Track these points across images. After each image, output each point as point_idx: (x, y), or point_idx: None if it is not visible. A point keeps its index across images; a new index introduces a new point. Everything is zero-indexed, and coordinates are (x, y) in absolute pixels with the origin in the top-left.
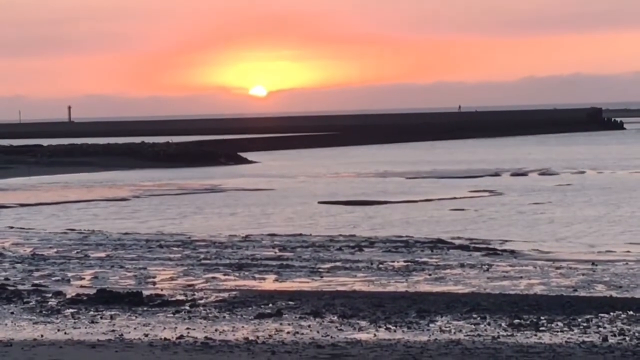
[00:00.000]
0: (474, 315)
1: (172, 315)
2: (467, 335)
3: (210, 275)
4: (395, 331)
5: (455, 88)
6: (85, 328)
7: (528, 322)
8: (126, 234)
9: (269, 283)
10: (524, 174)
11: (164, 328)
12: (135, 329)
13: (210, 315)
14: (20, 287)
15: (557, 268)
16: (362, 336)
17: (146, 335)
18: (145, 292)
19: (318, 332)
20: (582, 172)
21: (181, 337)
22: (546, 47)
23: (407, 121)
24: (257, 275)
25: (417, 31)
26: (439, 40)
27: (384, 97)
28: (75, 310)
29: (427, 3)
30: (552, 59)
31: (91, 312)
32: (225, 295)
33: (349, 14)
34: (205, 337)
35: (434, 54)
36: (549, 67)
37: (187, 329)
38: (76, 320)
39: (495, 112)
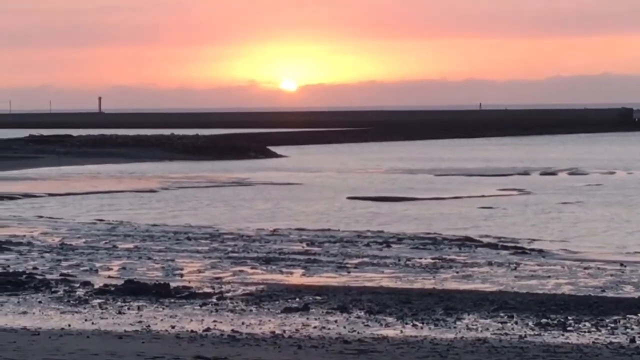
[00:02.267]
0: (501, 314)
1: (199, 307)
2: (494, 334)
3: (238, 268)
4: (422, 328)
5: (485, 86)
6: (113, 319)
7: (555, 321)
8: (154, 225)
9: (297, 277)
10: (553, 173)
11: (191, 320)
12: (162, 320)
13: (237, 308)
14: (48, 276)
15: (585, 268)
16: (389, 332)
17: (173, 327)
18: (173, 284)
19: (345, 327)
20: (612, 173)
21: (208, 329)
22: (575, 46)
23: (434, 118)
24: (284, 270)
25: (447, 29)
26: (468, 38)
27: (414, 93)
28: (102, 300)
29: (458, 2)
30: (580, 59)
31: (118, 303)
32: (253, 288)
33: (381, 10)
34: (232, 330)
35: (464, 52)
36: (578, 67)
37: (214, 321)
38: (103, 311)
39: (523, 111)
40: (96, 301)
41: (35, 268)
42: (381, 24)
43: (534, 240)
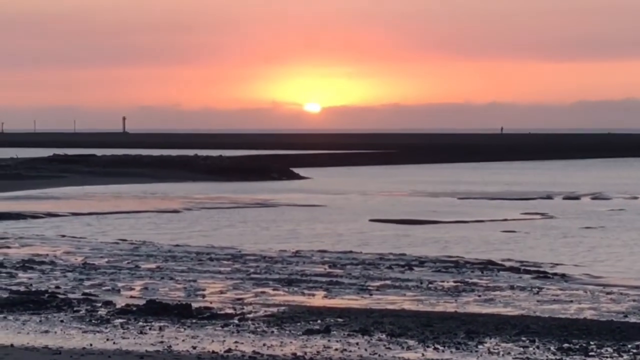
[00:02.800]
0: (523, 338)
1: (220, 328)
2: (516, 358)
3: (260, 289)
4: (443, 351)
5: (509, 110)
6: (134, 338)
7: (577, 346)
8: (177, 245)
9: (318, 299)
10: (576, 198)
11: (212, 341)
12: (183, 341)
13: (258, 329)
14: (70, 295)
15: (608, 293)
16: (410, 355)
17: (194, 348)
18: (195, 305)
19: (366, 349)
20: (636, 198)
21: (229, 350)
22: (599, 71)
23: (457, 141)
24: (306, 291)
25: (472, 52)
26: (493, 62)
27: (437, 116)
28: (124, 320)
29: (482, 25)
30: (605, 83)
31: (140, 323)
32: (274, 310)
33: (405, 33)
34: (253, 352)
35: (489, 75)
36: (602, 92)
37: (235, 342)
38: (125, 331)
39: (547, 135)
40: (118, 321)
41: (57, 287)
42: (405, 47)
43: (557, 264)
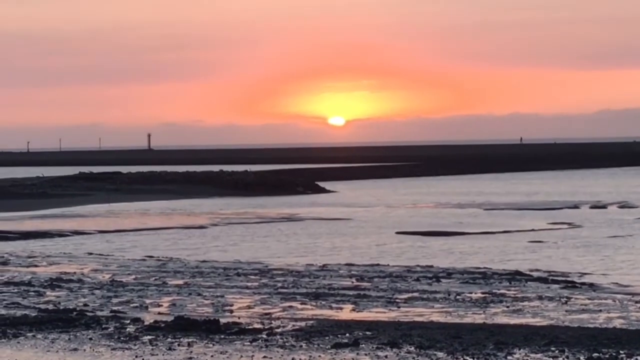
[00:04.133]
0: (552, 348)
1: (249, 343)
2: None
3: (287, 304)
4: None
5: (531, 120)
6: (163, 355)
7: (607, 356)
8: (204, 261)
9: (346, 313)
10: (603, 207)
11: (241, 356)
12: (212, 356)
13: (287, 344)
14: (98, 313)
15: (637, 302)
16: None
17: None
18: (223, 320)
19: None
20: None
21: None
22: (623, 79)
23: (480, 152)
24: (334, 305)
25: (494, 63)
26: (515, 72)
27: (461, 127)
28: (153, 337)
29: (504, 36)
30: (629, 92)
31: (169, 339)
32: (302, 324)
33: (427, 46)
34: None
35: (511, 85)
36: (627, 100)
37: (264, 357)
38: (154, 347)
39: (571, 145)
40: (146, 337)
41: (85, 305)
42: (427, 58)
43: (585, 274)
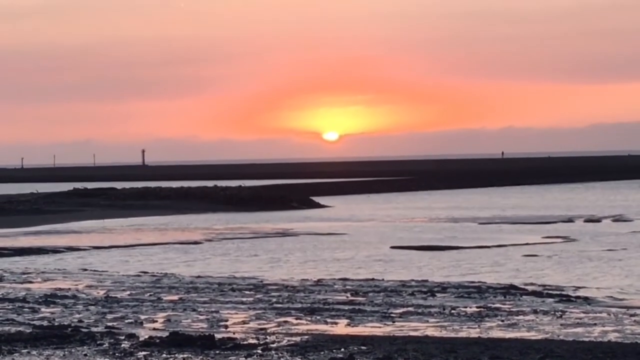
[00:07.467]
0: None
1: (244, 358)
2: None
3: (282, 319)
4: None
5: (524, 134)
6: None
7: None
8: (198, 277)
9: (341, 327)
10: (598, 221)
11: None
12: None
13: (282, 359)
14: (93, 329)
15: (632, 315)
16: None
17: None
18: (218, 336)
19: None
20: None
21: None
22: (616, 93)
23: (474, 167)
24: (329, 320)
25: (488, 77)
26: (509, 86)
27: (454, 142)
28: (147, 353)
29: (498, 49)
30: (622, 106)
31: (164, 355)
32: (298, 339)
33: (421, 60)
34: None
35: (504, 99)
36: (619, 114)
37: None
38: None
39: (563, 158)
40: (141, 353)
41: (80, 321)
42: (421, 73)
43: (579, 287)
